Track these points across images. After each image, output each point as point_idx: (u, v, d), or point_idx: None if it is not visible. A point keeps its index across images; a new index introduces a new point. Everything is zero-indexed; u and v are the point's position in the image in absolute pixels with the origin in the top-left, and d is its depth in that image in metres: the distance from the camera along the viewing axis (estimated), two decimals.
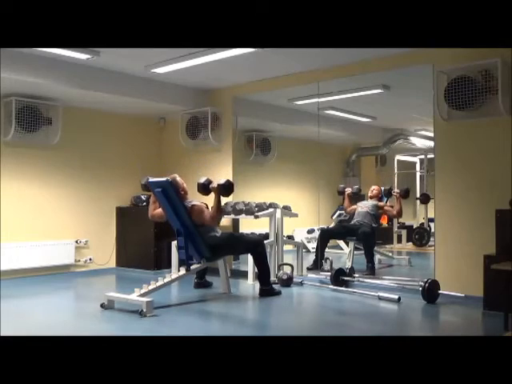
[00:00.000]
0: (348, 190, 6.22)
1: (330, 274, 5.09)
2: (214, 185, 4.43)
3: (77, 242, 6.14)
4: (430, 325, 3.85)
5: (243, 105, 6.31)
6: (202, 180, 4.51)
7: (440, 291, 4.32)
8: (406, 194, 6.03)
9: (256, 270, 4.93)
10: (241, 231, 6.16)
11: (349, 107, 6.46)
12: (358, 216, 6.00)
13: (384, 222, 6.50)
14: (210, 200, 4.56)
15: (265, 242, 5.14)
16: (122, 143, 6.67)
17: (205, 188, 4.47)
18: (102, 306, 4.11)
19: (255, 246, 4.75)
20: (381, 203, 6.09)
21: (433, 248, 4.71)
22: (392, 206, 6.10)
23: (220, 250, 4.58)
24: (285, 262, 5.53)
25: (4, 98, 5.44)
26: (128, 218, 6.50)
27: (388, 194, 6.16)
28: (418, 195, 6.59)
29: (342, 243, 6.55)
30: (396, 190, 6.12)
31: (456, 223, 4.44)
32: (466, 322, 3.77)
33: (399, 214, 6.05)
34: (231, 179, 6.10)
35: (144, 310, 3.83)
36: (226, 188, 4.43)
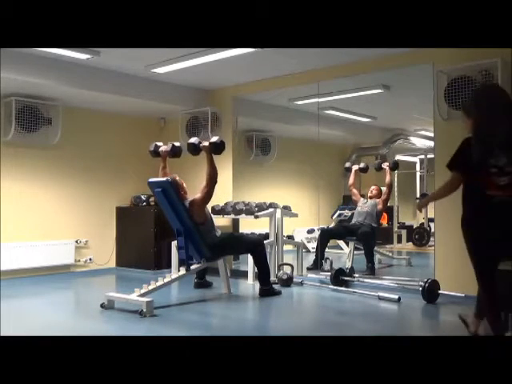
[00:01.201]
0: (356, 167, 6.23)
1: (329, 273, 5.09)
2: (205, 143, 4.38)
3: (77, 242, 6.14)
4: (430, 325, 3.85)
5: (243, 105, 6.31)
6: (193, 140, 4.46)
7: (440, 291, 4.32)
8: (394, 165, 6.13)
9: (256, 269, 4.93)
10: (241, 231, 6.16)
11: (349, 107, 6.46)
12: (358, 216, 6.00)
13: (384, 221, 6.51)
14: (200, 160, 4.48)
15: (265, 242, 5.14)
16: (122, 143, 6.67)
17: (195, 148, 4.42)
18: (102, 305, 4.10)
19: (255, 245, 4.75)
20: (377, 199, 6.09)
21: (433, 248, 4.71)
22: (385, 199, 6.10)
23: (220, 250, 4.58)
24: (285, 262, 5.53)
25: (4, 98, 5.44)
26: (128, 218, 6.50)
27: (378, 167, 6.17)
28: (418, 195, 6.59)
29: (342, 243, 6.55)
30: (386, 163, 6.13)
31: (456, 223, 4.42)
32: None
33: (389, 186, 6.06)
34: (231, 179, 6.14)
35: (144, 310, 3.83)
36: (218, 146, 4.36)
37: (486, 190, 2.72)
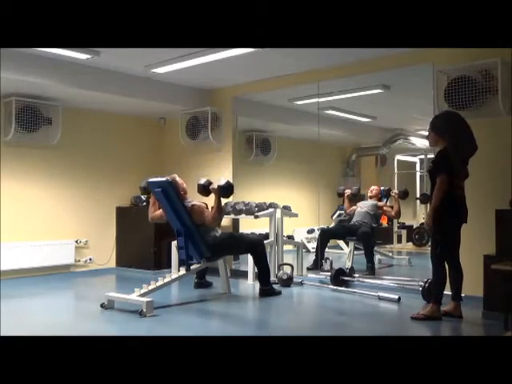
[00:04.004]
0: (347, 192, 6.23)
1: (329, 273, 5.09)
2: (214, 186, 4.44)
3: (77, 241, 6.14)
4: (430, 325, 3.84)
5: (243, 105, 6.31)
6: (202, 181, 4.53)
7: None
8: (404, 195, 6.09)
9: (256, 269, 4.93)
10: (241, 231, 6.16)
11: (349, 107, 6.46)
12: (358, 216, 6.00)
13: (384, 221, 6.50)
14: (210, 200, 4.57)
15: (265, 242, 5.14)
16: (122, 143, 6.67)
17: (205, 189, 4.50)
18: (102, 305, 4.11)
19: (255, 245, 4.75)
20: (380, 203, 6.09)
21: None
22: (391, 207, 6.11)
23: (220, 250, 4.58)
24: (285, 262, 5.53)
25: (4, 98, 5.44)
26: (128, 218, 6.50)
27: (387, 194, 6.18)
28: (418, 195, 6.59)
29: (342, 243, 6.55)
30: (395, 190, 6.12)
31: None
32: (466, 321, 3.76)
33: (398, 215, 6.08)
34: (231, 179, 6.13)
35: (144, 310, 3.83)
36: (226, 190, 4.45)
37: (456, 190, 3.72)
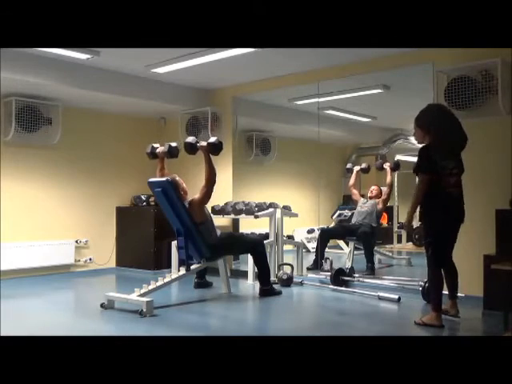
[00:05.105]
0: (357, 168, 6.22)
1: (329, 273, 5.09)
2: (203, 143, 4.38)
3: (77, 241, 6.14)
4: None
5: (243, 105, 6.31)
6: (189, 139, 4.45)
7: None
8: (396, 166, 6.13)
9: (256, 269, 4.93)
10: (241, 231, 6.16)
11: (349, 107, 6.46)
12: (358, 216, 6.00)
13: (384, 221, 6.50)
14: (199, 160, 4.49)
15: (265, 242, 5.14)
16: (122, 143, 6.67)
17: (192, 147, 4.41)
18: (102, 305, 4.11)
19: (255, 245, 4.75)
20: (377, 199, 6.08)
21: None
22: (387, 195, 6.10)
23: (220, 250, 4.58)
24: (285, 262, 5.53)
25: (4, 98, 5.44)
26: (128, 218, 6.50)
27: (380, 167, 6.17)
28: None
29: (342, 243, 6.55)
30: (387, 163, 6.13)
31: None
32: (466, 322, 3.76)
33: (389, 186, 6.06)
34: (231, 179, 6.14)
35: (144, 310, 3.83)
36: (216, 146, 4.36)
37: (446, 188, 3.50)
